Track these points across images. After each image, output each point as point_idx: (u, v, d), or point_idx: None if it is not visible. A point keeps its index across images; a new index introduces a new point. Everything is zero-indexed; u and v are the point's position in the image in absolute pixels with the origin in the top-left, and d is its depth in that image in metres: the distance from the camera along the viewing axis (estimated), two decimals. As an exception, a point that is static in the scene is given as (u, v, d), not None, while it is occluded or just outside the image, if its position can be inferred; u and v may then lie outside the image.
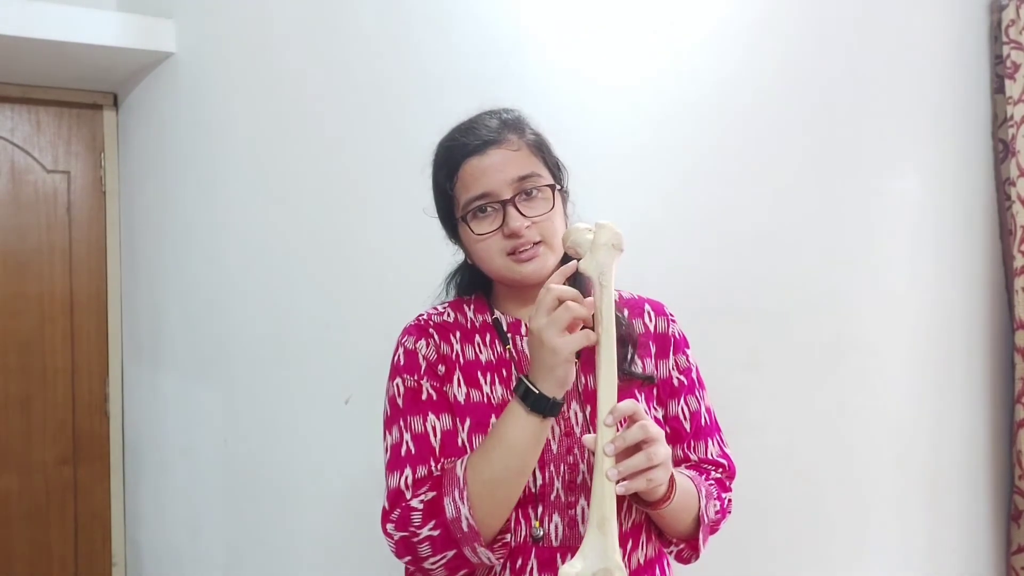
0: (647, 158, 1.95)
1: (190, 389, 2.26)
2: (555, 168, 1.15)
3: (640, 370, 1.16)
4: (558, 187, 1.13)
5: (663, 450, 0.99)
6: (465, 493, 0.99)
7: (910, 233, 2.23)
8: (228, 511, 2.16)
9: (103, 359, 2.65)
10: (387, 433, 1.10)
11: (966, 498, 2.34)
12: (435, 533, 1.00)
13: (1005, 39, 2.31)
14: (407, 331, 1.15)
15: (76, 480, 2.62)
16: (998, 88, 2.37)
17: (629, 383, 1.12)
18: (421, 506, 1.02)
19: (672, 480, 1.04)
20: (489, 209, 1.08)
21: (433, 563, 1.02)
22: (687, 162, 1.98)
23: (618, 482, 0.96)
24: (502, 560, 1.05)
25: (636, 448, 0.97)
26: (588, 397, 1.10)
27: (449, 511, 1.00)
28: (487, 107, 1.17)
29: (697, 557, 1.17)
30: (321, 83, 1.96)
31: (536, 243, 1.08)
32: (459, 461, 1.02)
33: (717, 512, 1.16)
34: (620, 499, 1.00)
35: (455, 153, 1.11)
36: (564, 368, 0.96)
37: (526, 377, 0.99)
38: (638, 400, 1.12)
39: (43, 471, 2.58)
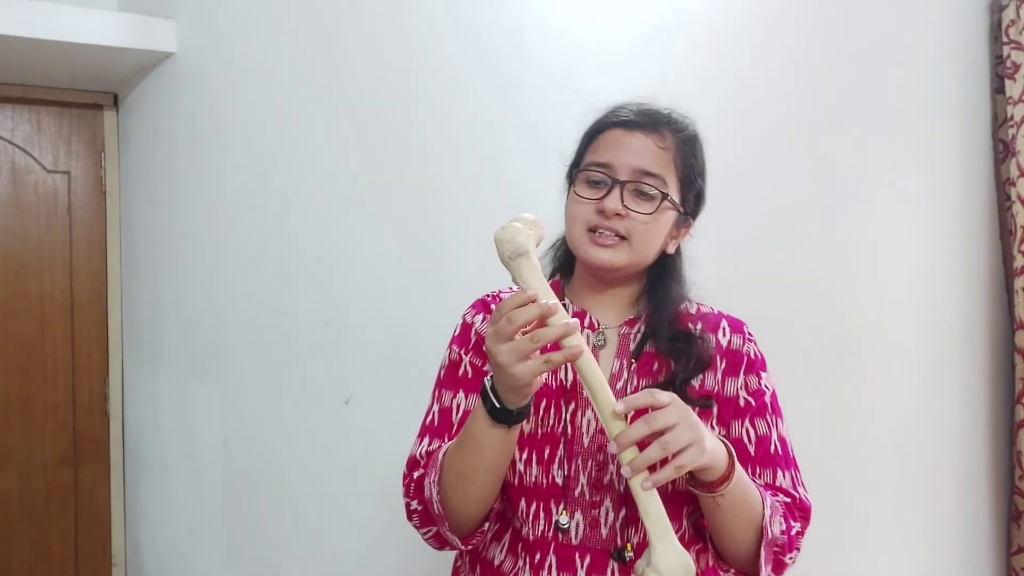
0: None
1: (190, 389, 2.26)
2: (692, 193, 1.11)
3: (696, 386, 1.07)
4: (678, 207, 1.08)
5: (685, 434, 0.89)
6: (437, 479, 1.02)
7: (910, 233, 2.23)
8: (228, 511, 2.15)
9: (103, 359, 2.65)
10: (431, 397, 1.14)
11: (966, 498, 2.34)
12: (420, 508, 1.06)
13: (1005, 39, 2.31)
14: (473, 305, 1.17)
15: (76, 480, 2.62)
16: (998, 88, 2.37)
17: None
18: (415, 481, 1.07)
19: (731, 458, 0.96)
20: (600, 180, 1.06)
21: (423, 534, 1.09)
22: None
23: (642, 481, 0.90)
24: (479, 548, 1.09)
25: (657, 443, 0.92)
26: (619, 396, 1.07)
27: (427, 492, 1.04)
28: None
29: None
30: (321, 82, 1.96)
31: (620, 235, 1.05)
32: (447, 444, 1.05)
33: (782, 532, 1.02)
34: (669, 506, 0.92)
35: (609, 118, 1.11)
36: (526, 388, 0.91)
37: (492, 385, 0.94)
38: None
39: (43, 471, 2.58)
